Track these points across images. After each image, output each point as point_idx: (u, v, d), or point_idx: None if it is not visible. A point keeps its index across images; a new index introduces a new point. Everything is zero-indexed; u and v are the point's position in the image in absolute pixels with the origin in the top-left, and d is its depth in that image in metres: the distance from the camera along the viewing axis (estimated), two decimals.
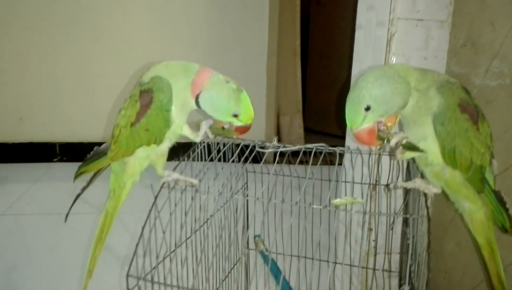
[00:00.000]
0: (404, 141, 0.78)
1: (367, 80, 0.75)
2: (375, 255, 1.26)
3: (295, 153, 1.01)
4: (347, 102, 0.76)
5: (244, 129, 0.90)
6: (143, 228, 0.82)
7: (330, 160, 0.95)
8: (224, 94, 0.85)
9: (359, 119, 0.76)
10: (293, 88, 3.14)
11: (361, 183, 1.15)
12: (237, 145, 1.01)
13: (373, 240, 1.25)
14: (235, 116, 0.87)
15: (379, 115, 0.75)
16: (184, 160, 0.95)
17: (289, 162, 1.01)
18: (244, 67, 2.80)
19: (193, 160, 0.98)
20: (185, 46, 2.77)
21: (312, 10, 3.73)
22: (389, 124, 0.77)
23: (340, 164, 0.91)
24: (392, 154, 0.82)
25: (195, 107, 0.88)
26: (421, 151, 0.79)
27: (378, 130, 0.78)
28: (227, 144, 1.04)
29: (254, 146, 1.01)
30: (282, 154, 0.99)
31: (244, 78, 2.65)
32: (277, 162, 0.99)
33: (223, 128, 0.93)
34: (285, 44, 3.03)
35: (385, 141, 0.78)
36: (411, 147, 0.79)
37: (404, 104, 0.76)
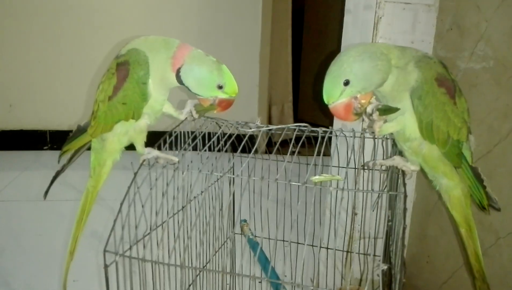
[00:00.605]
0: (379, 106, 0.78)
1: (349, 54, 0.75)
2: (359, 239, 1.26)
3: (284, 143, 1.00)
4: (326, 75, 0.76)
5: (228, 103, 0.88)
6: (121, 203, 0.81)
7: (320, 151, 0.93)
8: (206, 66, 0.83)
9: (336, 93, 0.75)
10: (284, 78, 3.13)
11: (346, 167, 1.14)
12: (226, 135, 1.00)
13: (358, 225, 1.25)
14: (220, 87, 0.84)
15: (357, 91, 0.75)
16: (166, 140, 0.94)
17: (278, 150, 1.00)
18: (237, 57, 2.78)
19: (176, 141, 0.97)
20: (178, 34, 2.72)
21: (306, 2, 3.71)
22: (363, 102, 0.76)
23: (321, 148, 0.91)
24: (371, 130, 0.81)
25: (175, 83, 0.86)
26: (397, 109, 0.78)
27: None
28: (210, 125, 1.03)
29: (237, 128, 1.00)
30: (271, 143, 0.99)
31: (237, 67, 2.61)
32: (263, 148, 0.98)
33: (211, 105, 0.90)
34: (278, 34, 3.02)
35: (362, 115, 0.78)
36: (386, 109, 0.78)
37: (382, 82, 0.76)
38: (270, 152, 1.06)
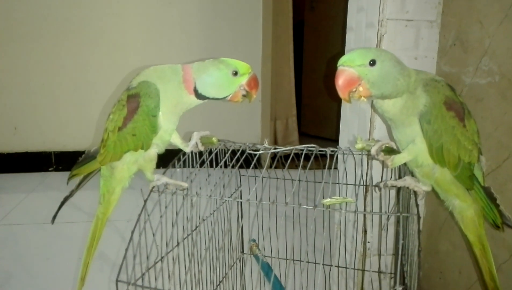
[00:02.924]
0: (383, 147, 0.79)
1: (392, 54, 0.76)
2: (370, 256, 1.25)
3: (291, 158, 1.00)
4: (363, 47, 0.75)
5: (254, 80, 0.87)
6: (132, 232, 0.81)
7: (326, 164, 0.94)
8: (211, 68, 0.85)
9: (357, 62, 0.73)
10: (288, 93, 3.14)
11: (354, 185, 1.14)
12: (233, 151, 1.01)
13: (368, 242, 1.24)
14: (235, 73, 0.85)
15: (367, 79, 0.74)
16: (174, 165, 0.95)
17: (284, 166, 1.01)
18: None
19: (184, 164, 0.97)
20: (180, 52, 2.78)
21: (306, 16, 3.75)
22: (361, 89, 0.75)
23: (330, 166, 0.91)
24: (375, 158, 0.82)
25: (193, 104, 0.88)
26: (399, 152, 0.79)
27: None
28: (218, 148, 1.04)
29: (245, 149, 1.01)
30: (278, 158, 1.00)
31: None
32: (273, 167, 0.99)
33: (212, 140, 0.94)
34: (279, 49, 3.04)
35: (350, 100, 0.77)
36: (390, 151, 0.79)
37: (386, 96, 0.76)
38: (276, 167, 1.07)
